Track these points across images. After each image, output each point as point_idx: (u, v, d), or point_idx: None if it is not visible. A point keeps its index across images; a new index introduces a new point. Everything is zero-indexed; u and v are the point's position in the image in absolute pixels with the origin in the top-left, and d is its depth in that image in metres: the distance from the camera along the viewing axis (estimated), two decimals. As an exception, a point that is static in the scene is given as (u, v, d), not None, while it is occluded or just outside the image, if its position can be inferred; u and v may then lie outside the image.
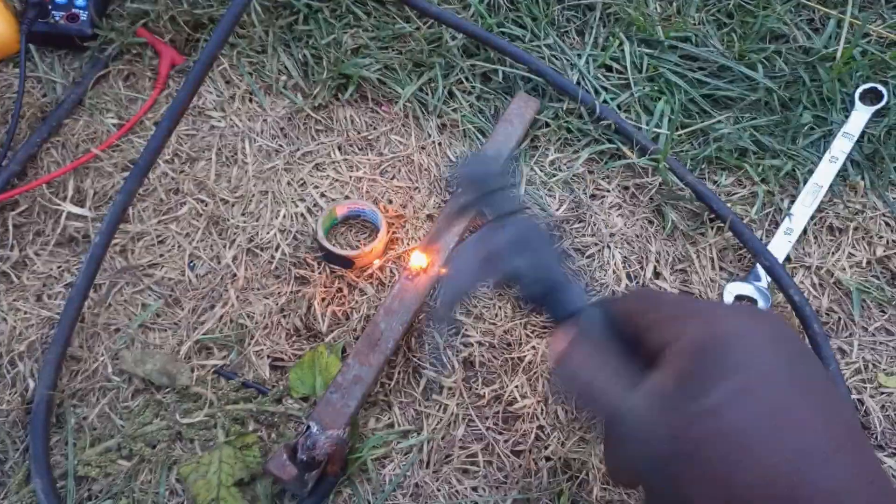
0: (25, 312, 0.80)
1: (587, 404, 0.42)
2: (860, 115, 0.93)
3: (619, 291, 0.83)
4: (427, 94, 0.96)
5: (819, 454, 0.33)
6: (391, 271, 0.84)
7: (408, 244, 0.86)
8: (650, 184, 0.90)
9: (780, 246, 0.86)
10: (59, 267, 0.83)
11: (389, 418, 0.76)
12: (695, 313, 0.39)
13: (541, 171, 0.92)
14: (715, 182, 0.92)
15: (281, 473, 0.67)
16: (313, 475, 0.68)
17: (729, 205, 0.88)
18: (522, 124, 0.91)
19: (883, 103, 0.93)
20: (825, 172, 0.90)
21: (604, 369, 0.42)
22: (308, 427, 0.69)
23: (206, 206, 0.88)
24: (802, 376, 0.36)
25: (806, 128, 0.94)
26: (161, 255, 0.84)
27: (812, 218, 0.88)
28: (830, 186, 0.90)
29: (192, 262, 0.84)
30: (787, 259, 0.86)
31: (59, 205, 0.86)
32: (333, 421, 0.71)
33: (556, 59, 0.98)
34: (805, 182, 0.90)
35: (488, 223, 0.54)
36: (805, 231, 0.88)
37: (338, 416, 0.71)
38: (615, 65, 0.98)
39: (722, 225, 0.86)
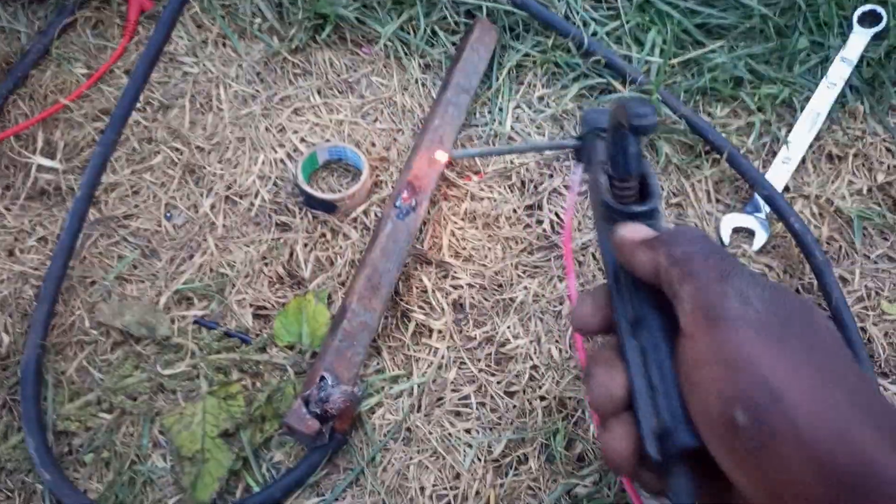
0: (-3, 268, 0.77)
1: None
2: (859, 39, 0.89)
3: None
4: (408, 32, 0.92)
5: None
6: (376, 215, 0.81)
7: (392, 187, 0.83)
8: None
9: (778, 176, 0.83)
10: (31, 221, 0.80)
11: (379, 364, 0.73)
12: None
13: (528, 107, 0.89)
14: (709, 114, 0.89)
15: (302, 428, 0.64)
16: (327, 428, 0.66)
17: (724, 136, 0.85)
18: (487, 52, 0.88)
19: (882, 26, 0.89)
20: (823, 99, 0.87)
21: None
22: (322, 378, 0.67)
23: (182, 154, 0.84)
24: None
25: (802, 54, 0.90)
26: (136, 206, 0.81)
27: (810, 146, 0.85)
28: (829, 113, 0.86)
29: (168, 212, 0.81)
30: (786, 189, 0.83)
31: (28, 157, 0.83)
32: (345, 371, 0.68)
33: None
34: (802, 110, 0.87)
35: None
36: (803, 160, 0.85)
37: (349, 365, 0.69)
38: (603, -6, 0.94)
39: (718, 157, 0.83)
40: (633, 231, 0.42)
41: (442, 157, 0.77)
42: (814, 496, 0.31)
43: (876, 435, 0.31)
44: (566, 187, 0.83)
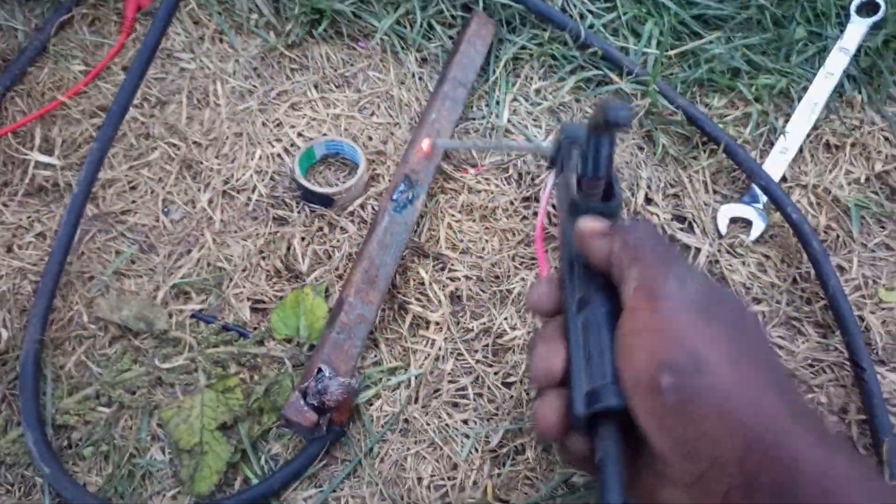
0: (-4, 264, 0.77)
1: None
2: (856, 28, 0.89)
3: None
4: (405, 27, 0.92)
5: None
6: (373, 208, 0.81)
7: (389, 180, 0.83)
8: (639, 108, 0.86)
9: (775, 166, 0.83)
10: (29, 217, 0.80)
11: (376, 356, 0.74)
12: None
13: (525, 100, 0.89)
14: (707, 104, 0.89)
15: (300, 419, 0.65)
16: (325, 419, 0.66)
17: (722, 126, 0.85)
18: (484, 45, 0.88)
19: (880, 15, 0.89)
20: (821, 89, 0.87)
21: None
22: (319, 370, 0.67)
23: (179, 150, 0.84)
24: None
25: (800, 44, 0.90)
26: (133, 202, 0.81)
27: (808, 136, 0.85)
28: (826, 103, 0.86)
29: (166, 207, 0.81)
30: (783, 179, 0.83)
31: (26, 154, 0.83)
32: (343, 363, 0.68)
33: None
34: (800, 100, 0.87)
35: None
36: (801, 150, 0.85)
37: (346, 357, 0.69)
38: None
39: (715, 147, 0.83)
40: (592, 221, 0.47)
41: (425, 144, 0.78)
42: (725, 454, 0.35)
43: (783, 406, 0.36)
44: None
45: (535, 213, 0.80)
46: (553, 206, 0.80)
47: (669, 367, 0.37)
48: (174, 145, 0.85)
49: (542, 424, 0.45)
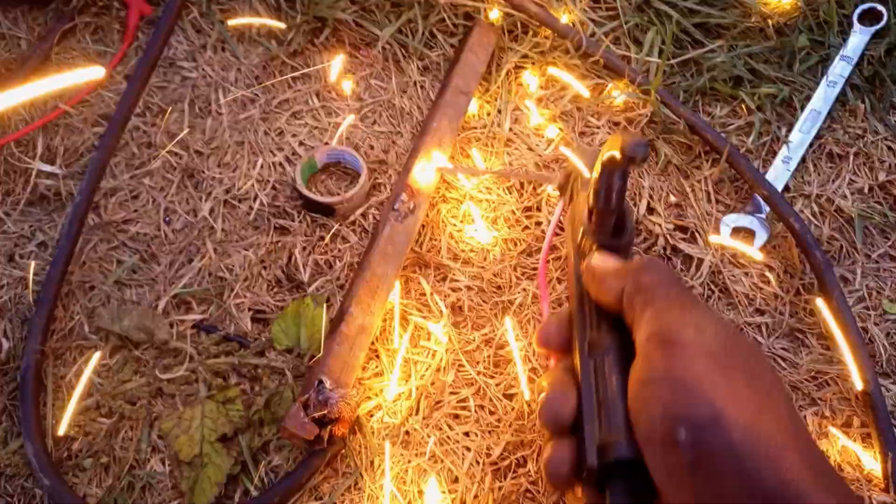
0: (-3, 273, 0.77)
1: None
2: (859, 38, 0.89)
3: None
4: (407, 35, 0.92)
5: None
6: (374, 218, 0.81)
7: (391, 189, 0.82)
8: (641, 118, 0.86)
9: (778, 175, 0.83)
10: (31, 226, 0.80)
11: (377, 367, 0.73)
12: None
13: (527, 109, 0.88)
14: (709, 113, 0.88)
15: (301, 432, 0.64)
16: (326, 432, 0.65)
17: (724, 135, 0.84)
18: (486, 53, 0.88)
19: (883, 24, 0.89)
20: (823, 98, 0.86)
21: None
22: (320, 382, 0.67)
23: (181, 158, 0.84)
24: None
25: (802, 53, 0.90)
26: (135, 211, 0.81)
27: (811, 145, 0.85)
28: (829, 112, 0.86)
29: (167, 216, 0.81)
30: (786, 188, 0.83)
31: (28, 163, 0.83)
32: (344, 375, 0.68)
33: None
34: (803, 109, 0.86)
35: None
36: (804, 159, 0.84)
37: (348, 369, 0.69)
38: (602, -5, 0.94)
39: (717, 157, 0.83)
40: (603, 260, 0.45)
41: (434, 172, 0.78)
42: None
43: (804, 466, 0.34)
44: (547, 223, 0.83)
45: (538, 223, 0.80)
46: (560, 228, 0.79)
47: (686, 421, 0.35)
48: (176, 154, 0.85)
49: (552, 475, 0.42)
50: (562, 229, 0.77)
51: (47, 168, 0.83)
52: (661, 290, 0.41)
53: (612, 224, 0.47)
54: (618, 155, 0.40)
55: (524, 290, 0.76)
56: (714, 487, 0.34)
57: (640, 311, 0.40)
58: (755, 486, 0.33)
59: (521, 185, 0.83)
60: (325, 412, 0.65)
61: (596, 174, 0.45)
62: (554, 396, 0.44)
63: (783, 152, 0.84)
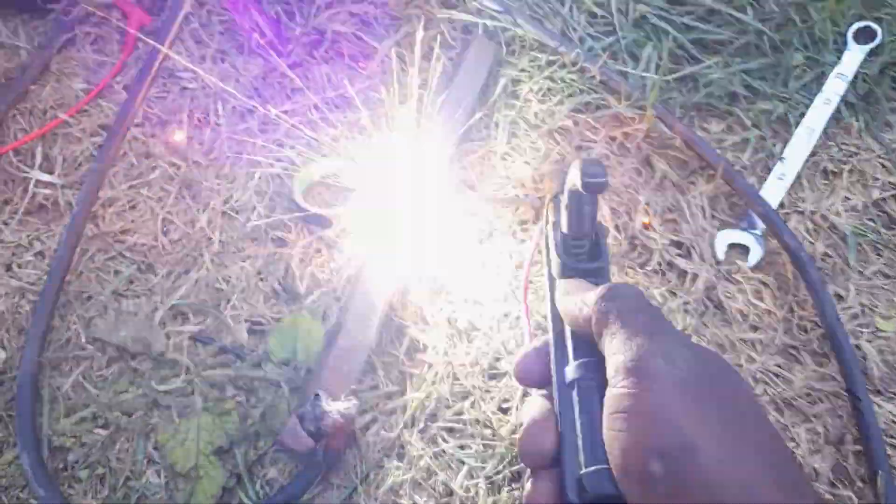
0: (-5, 283, 0.77)
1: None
2: (854, 55, 0.90)
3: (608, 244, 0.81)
4: (405, 48, 0.93)
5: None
6: (372, 231, 0.81)
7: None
8: (638, 133, 0.87)
9: (773, 192, 0.83)
10: (29, 236, 0.81)
11: (373, 380, 0.74)
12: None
13: (524, 123, 0.89)
14: (705, 129, 0.89)
15: (297, 445, 0.65)
16: (322, 445, 0.66)
17: (719, 152, 0.85)
18: (485, 68, 0.88)
19: (877, 41, 0.90)
20: (818, 115, 0.87)
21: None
22: (317, 396, 0.67)
23: (179, 169, 0.85)
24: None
25: (798, 70, 0.90)
26: (133, 221, 0.82)
27: (806, 162, 0.85)
28: (824, 129, 0.86)
29: (165, 227, 0.82)
30: (781, 205, 0.83)
31: (27, 172, 0.83)
32: (340, 388, 0.68)
33: (539, 6, 0.95)
34: (798, 126, 0.87)
35: None
36: (799, 176, 0.85)
37: (344, 382, 0.69)
38: (600, 11, 0.94)
39: (713, 173, 0.83)
40: (574, 286, 0.45)
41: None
42: None
43: (776, 491, 0.34)
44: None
45: (531, 236, 0.80)
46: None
47: (658, 454, 0.35)
48: (174, 165, 0.85)
49: None
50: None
51: (46, 178, 0.83)
52: (627, 318, 0.40)
53: (585, 249, 0.47)
54: (578, 183, 0.40)
55: (519, 302, 0.77)
56: None
57: (607, 341, 0.40)
58: None
59: (516, 196, 0.83)
60: (322, 426, 0.65)
61: (565, 200, 0.46)
62: (533, 429, 0.43)
63: (778, 169, 0.84)
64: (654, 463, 0.34)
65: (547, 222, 0.51)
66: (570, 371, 0.43)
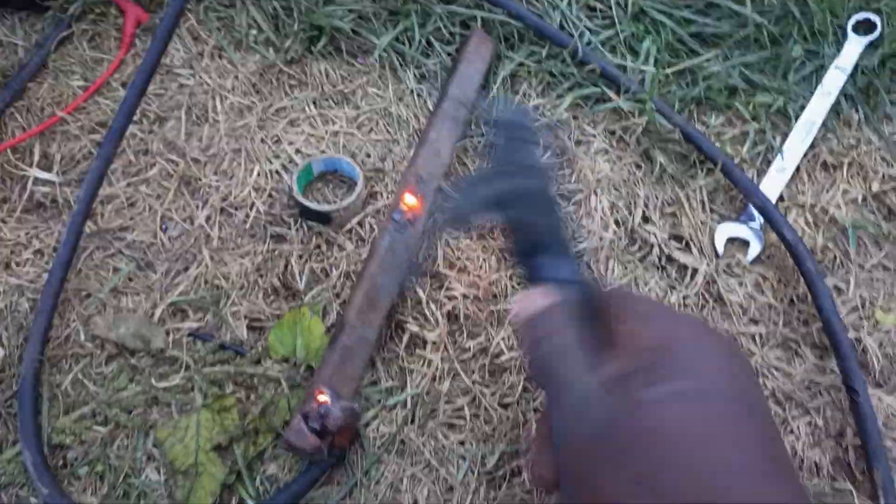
0: (-7, 281, 0.77)
1: (541, 370, 0.42)
2: (853, 47, 0.89)
3: (607, 238, 0.81)
4: (403, 43, 0.92)
5: (744, 471, 0.33)
6: (371, 226, 0.81)
7: (387, 198, 0.83)
8: (637, 127, 0.86)
9: (772, 185, 0.83)
10: (28, 234, 0.81)
11: (373, 375, 0.74)
12: (662, 316, 0.41)
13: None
14: (704, 123, 0.89)
15: (302, 444, 0.65)
16: (327, 443, 0.66)
17: (719, 145, 0.85)
18: (483, 63, 0.88)
19: (876, 34, 0.89)
20: (818, 108, 0.87)
21: (570, 343, 0.42)
22: (322, 393, 0.67)
23: (177, 166, 0.84)
24: (743, 397, 0.37)
25: (797, 62, 0.90)
26: (131, 218, 0.82)
27: (805, 155, 0.85)
28: (824, 122, 0.86)
29: (164, 224, 0.81)
30: (780, 198, 0.83)
31: (25, 170, 0.83)
32: (344, 386, 0.68)
33: (540, 3, 0.94)
34: (797, 119, 0.87)
35: (501, 166, 0.54)
36: (798, 169, 0.85)
37: (348, 380, 0.69)
38: (599, 4, 0.94)
39: (712, 166, 0.83)
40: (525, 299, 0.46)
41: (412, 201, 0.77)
42: None
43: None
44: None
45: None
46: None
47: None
48: (173, 162, 0.85)
49: (541, 483, 0.44)
50: None
51: (44, 175, 0.83)
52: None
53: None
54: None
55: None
56: None
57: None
58: None
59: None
60: (327, 424, 0.65)
61: None
62: (536, 463, 0.45)
63: (778, 162, 0.84)
64: None
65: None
66: None
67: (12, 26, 0.93)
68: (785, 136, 0.86)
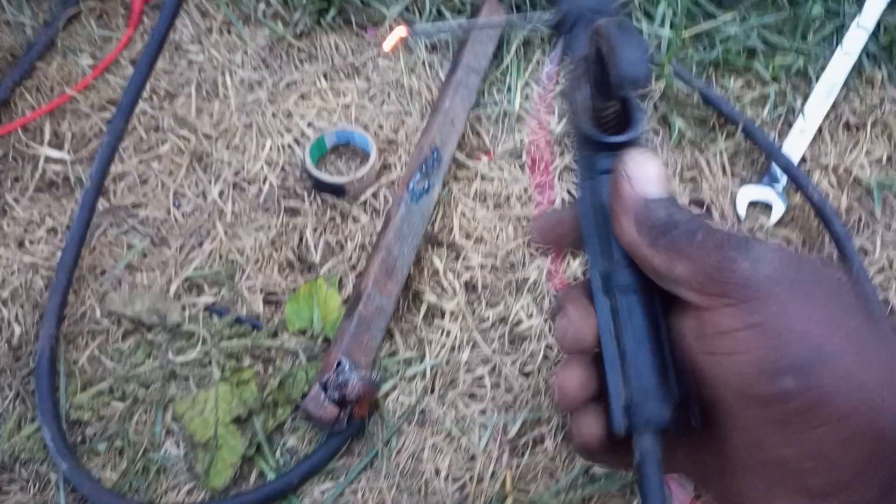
0: (7, 259, 0.76)
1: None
2: (874, 4, 0.87)
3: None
4: (414, 13, 0.91)
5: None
6: (385, 197, 0.80)
7: (401, 169, 0.82)
8: (654, 92, 0.85)
9: (794, 147, 0.81)
10: (40, 212, 0.80)
11: (392, 346, 0.73)
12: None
13: (537, 85, 0.87)
14: (723, 86, 0.87)
15: (321, 413, 0.64)
16: (346, 413, 0.65)
17: (739, 108, 0.83)
18: (496, 32, 0.86)
19: (899, -9, 0.87)
20: (839, 67, 0.85)
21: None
22: (339, 363, 0.66)
23: (189, 142, 0.84)
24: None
25: (817, 22, 0.88)
26: (144, 195, 0.81)
27: (827, 116, 0.83)
28: (845, 82, 0.84)
29: (176, 200, 0.81)
30: (803, 160, 0.81)
31: (36, 149, 0.82)
32: (362, 356, 0.68)
33: (549, -32, 0.93)
34: (818, 79, 0.85)
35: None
36: (820, 130, 0.83)
37: (365, 350, 0.68)
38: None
39: (732, 129, 0.81)
40: (637, 167, 0.34)
41: (401, 32, 0.74)
42: (868, 448, 0.30)
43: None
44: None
45: (551, 201, 0.79)
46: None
47: (788, 368, 0.30)
48: (184, 138, 0.84)
49: (586, 446, 0.38)
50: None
51: (55, 154, 0.82)
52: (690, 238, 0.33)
53: (613, 114, 0.36)
54: (613, 78, 0.32)
55: (538, 266, 0.75)
56: (835, 429, 0.30)
57: (674, 259, 0.33)
58: (880, 415, 0.30)
59: (533, 161, 0.82)
60: (345, 393, 0.65)
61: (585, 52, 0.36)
62: (576, 317, 0.36)
63: (799, 123, 0.82)
64: (786, 378, 0.30)
65: (567, 52, 0.41)
66: (608, 273, 0.36)
67: (20, 5, 0.92)
68: (806, 97, 0.84)
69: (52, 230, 0.79)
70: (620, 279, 0.35)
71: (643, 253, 0.34)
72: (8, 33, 0.90)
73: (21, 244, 0.78)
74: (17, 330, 0.72)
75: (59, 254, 0.75)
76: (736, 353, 0.32)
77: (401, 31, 0.71)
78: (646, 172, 0.34)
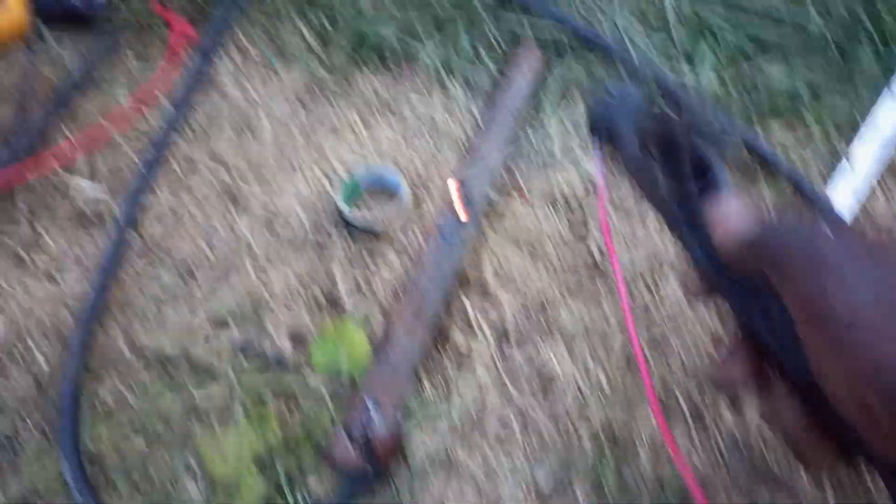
0: (37, 292, 0.76)
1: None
2: (923, 50, 0.85)
3: (667, 255, 0.77)
4: (451, 53, 0.91)
5: None
6: (415, 236, 0.79)
7: (433, 209, 0.80)
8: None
9: (840, 194, 0.78)
10: (70, 244, 0.80)
11: (418, 387, 0.70)
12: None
13: (575, 129, 0.86)
14: (767, 131, 0.85)
15: (344, 457, 0.63)
16: (370, 456, 0.63)
17: (783, 154, 0.81)
18: (532, 73, 0.85)
19: (948, 35, 0.85)
20: (887, 112, 0.82)
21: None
22: (364, 405, 0.64)
23: (221, 177, 0.83)
24: None
25: (865, 67, 0.86)
26: (175, 229, 0.80)
27: (876, 162, 0.80)
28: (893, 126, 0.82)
29: (206, 234, 0.80)
30: (850, 207, 0.78)
31: (69, 181, 0.83)
32: (388, 397, 0.66)
33: (587, 5, 0.92)
34: (864, 123, 0.82)
35: None
36: (868, 176, 0.80)
37: (391, 392, 0.67)
38: (652, 7, 0.91)
39: (775, 176, 0.79)
40: (726, 218, 0.35)
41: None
42: None
43: None
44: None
45: (582, 238, 0.77)
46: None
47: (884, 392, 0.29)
48: (217, 172, 0.84)
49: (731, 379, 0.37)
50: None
51: (89, 186, 0.83)
52: (791, 254, 0.33)
53: (687, 169, 0.37)
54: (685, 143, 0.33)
55: (569, 308, 0.73)
56: None
57: (775, 282, 0.33)
58: None
59: (566, 200, 0.80)
60: (370, 437, 0.63)
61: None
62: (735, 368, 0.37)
63: (844, 168, 0.80)
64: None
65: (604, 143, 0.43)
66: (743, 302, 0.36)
67: (60, 39, 0.94)
68: (852, 142, 0.82)
69: (81, 262, 0.79)
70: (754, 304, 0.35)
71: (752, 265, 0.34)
72: (48, 66, 0.92)
73: (51, 277, 0.78)
74: (42, 361, 0.72)
75: (86, 286, 0.75)
76: (837, 376, 0.31)
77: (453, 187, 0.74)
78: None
